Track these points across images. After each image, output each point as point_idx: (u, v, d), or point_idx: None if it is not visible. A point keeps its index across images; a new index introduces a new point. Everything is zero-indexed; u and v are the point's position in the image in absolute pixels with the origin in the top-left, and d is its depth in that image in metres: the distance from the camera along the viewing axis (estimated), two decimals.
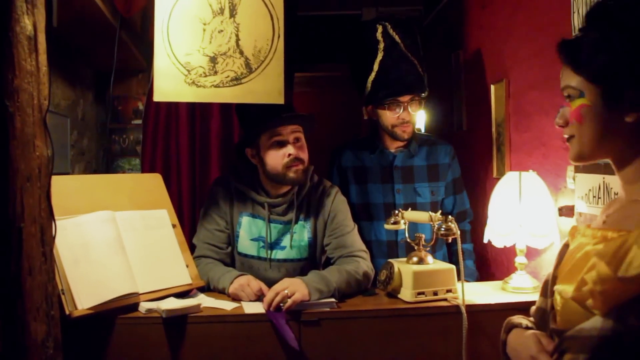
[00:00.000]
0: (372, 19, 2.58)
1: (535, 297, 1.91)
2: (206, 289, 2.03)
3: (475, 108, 2.94)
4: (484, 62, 2.79)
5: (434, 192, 2.46)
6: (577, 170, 1.82)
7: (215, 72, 2.07)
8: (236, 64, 2.09)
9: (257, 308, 1.79)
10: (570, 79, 1.00)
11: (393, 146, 2.49)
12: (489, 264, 2.66)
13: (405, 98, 2.36)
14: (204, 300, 1.86)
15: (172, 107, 2.94)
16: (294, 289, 1.79)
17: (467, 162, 2.57)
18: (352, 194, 2.49)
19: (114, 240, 1.78)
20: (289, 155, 2.04)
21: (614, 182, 1.62)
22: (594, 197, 1.73)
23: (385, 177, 2.47)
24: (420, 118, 3.71)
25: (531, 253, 2.13)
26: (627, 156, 0.97)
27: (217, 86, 2.08)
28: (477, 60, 2.89)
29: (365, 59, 2.47)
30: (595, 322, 0.89)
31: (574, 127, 1.01)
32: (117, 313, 1.69)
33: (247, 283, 1.92)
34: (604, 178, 1.68)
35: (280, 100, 2.10)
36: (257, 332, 1.74)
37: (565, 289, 1.00)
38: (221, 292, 1.98)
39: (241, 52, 2.09)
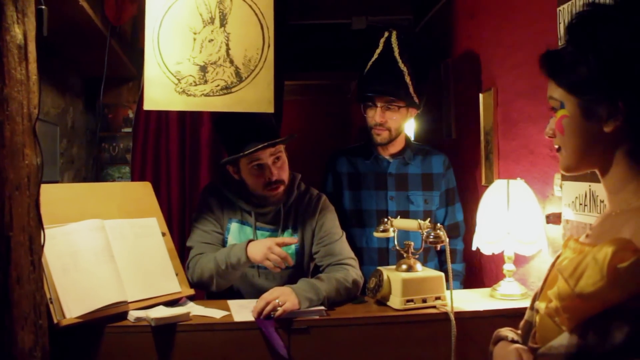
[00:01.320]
0: (381, 27, 2.59)
1: (523, 303, 1.94)
2: (202, 286, 2.01)
3: (464, 116, 2.97)
4: (473, 71, 2.82)
5: (428, 200, 2.47)
6: (564, 178, 1.84)
7: (206, 81, 2.08)
8: (226, 73, 2.10)
9: (246, 316, 1.79)
10: (553, 90, 1.01)
11: (387, 153, 2.50)
12: (477, 271, 2.67)
13: (381, 100, 2.38)
14: (193, 309, 1.86)
15: (163, 116, 2.94)
16: (285, 298, 1.79)
17: (456, 170, 2.58)
18: (345, 200, 2.50)
19: (103, 249, 1.77)
20: (269, 179, 2.05)
21: (600, 189, 1.64)
22: (580, 204, 1.75)
23: (379, 184, 2.48)
24: (409, 127, 3.73)
25: (519, 260, 2.15)
26: (609, 166, 0.98)
27: (207, 95, 2.08)
28: (466, 69, 2.92)
29: (364, 61, 2.51)
30: (562, 339, 0.90)
31: (559, 138, 1.02)
32: (106, 322, 1.68)
33: (270, 247, 1.90)
34: (589, 186, 1.70)
35: (270, 109, 2.11)
36: (247, 340, 1.74)
37: (540, 305, 1.01)
38: (235, 267, 1.96)
39: (231, 62, 2.10)
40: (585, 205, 1.72)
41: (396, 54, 2.43)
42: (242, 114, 2.08)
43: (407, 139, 2.55)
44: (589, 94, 0.94)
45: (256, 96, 2.09)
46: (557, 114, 1.01)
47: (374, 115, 2.40)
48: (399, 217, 2.04)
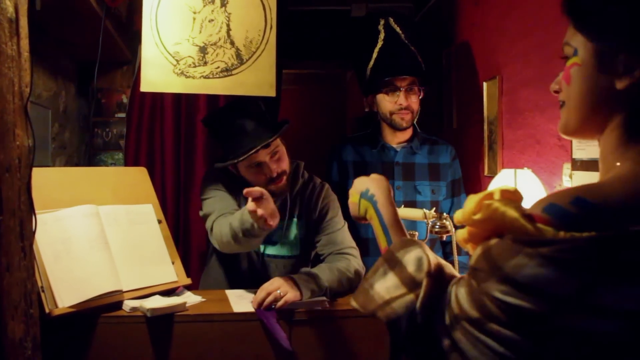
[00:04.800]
0: (369, 14, 2.56)
1: None
2: (234, 242, 1.79)
3: (465, 105, 2.91)
4: (476, 59, 2.76)
5: (435, 191, 2.42)
6: (574, 167, 1.79)
7: (205, 63, 2.01)
8: (227, 54, 2.03)
9: (246, 307, 1.73)
10: (570, 36, 0.88)
11: (395, 141, 2.45)
12: None
13: (403, 82, 2.34)
14: (191, 298, 1.80)
15: (157, 101, 2.87)
16: (286, 289, 1.74)
17: (459, 160, 2.54)
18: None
19: (97, 236, 1.71)
20: (269, 176, 1.96)
21: None
22: None
23: (385, 173, 2.39)
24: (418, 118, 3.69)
25: None
26: (613, 140, 0.82)
27: (206, 77, 2.02)
28: (469, 57, 2.86)
29: (366, 49, 2.46)
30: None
31: (565, 91, 0.89)
32: (100, 311, 1.61)
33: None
34: None
35: (271, 92, 2.04)
36: (246, 331, 1.68)
37: None
38: (251, 232, 1.71)
39: (232, 43, 2.03)
40: None
41: (403, 38, 2.40)
42: (232, 111, 1.94)
43: (414, 127, 2.50)
44: (609, 41, 0.80)
45: (257, 79, 2.03)
46: (568, 62, 0.87)
47: (398, 99, 2.35)
48: (403, 206, 1.98)
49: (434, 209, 1.86)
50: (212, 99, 2.86)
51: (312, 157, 2.57)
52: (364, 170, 2.45)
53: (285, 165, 2.01)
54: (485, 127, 2.59)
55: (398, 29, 2.42)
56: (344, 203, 2.21)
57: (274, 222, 1.63)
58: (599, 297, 0.62)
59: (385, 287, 0.92)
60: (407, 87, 2.35)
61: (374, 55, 2.42)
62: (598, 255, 0.62)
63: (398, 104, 2.35)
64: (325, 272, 1.89)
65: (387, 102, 2.38)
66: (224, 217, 1.91)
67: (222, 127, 1.95)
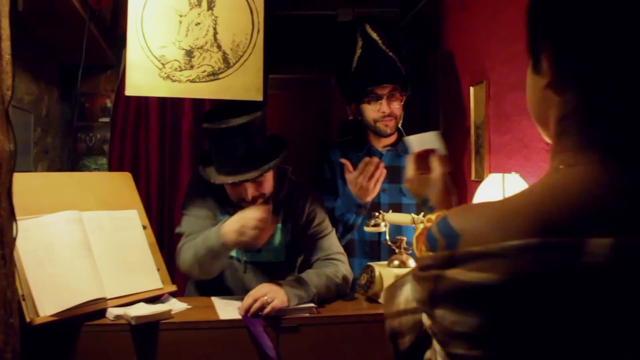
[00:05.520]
0: (351, 21, 2.57)
1: None
2: (192, 272, 1.89)
3: (452, 110, 2.91)
4: (463, 64, 2.76)
5: None
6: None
7: (192, 67, 1.99)
8: (213, 58, 2.01)
9: (232, 314, 1.70)
10: None
11: (380, 145, 2.46)
12: None
13: (384, 90, 2.34)
14: (176, 306, 1.76)
15: (142, 105, 2.84)
16: (273, 295, 1.71)
17: None
18: (339, 190, 2.44)
19: (80, 242, 1.67)
20: (244, 196, 1.92)
21: None
22: None
23: None
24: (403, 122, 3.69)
25: None
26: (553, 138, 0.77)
27: (193, 81, 1.99)
28: (456, 62, 2.86)
29: (346, 58, 2.47)
30: None
31: None
32: (83, 320, 1.57)
33: (241, 219, 1.73)
34: None
35: (258, 97, 2.02)
36: (233, 339, 1.65)
37: None
38: (216, 254, 1.79)
39: (219, 46, 2.01)
40: None
41: (380, 44, 2.41)
42: (233, 130, 1.84)
43: (399, 131, 2.51)
44: (535, 39, 0.75)
45: (244, 83, 2.00)
46: None
47: (381, 108, 2.36)
48: (390, 211, 1.97)
49: (422, 213, 1.85)
50: (197, 103, 2.84)
51: (298, 161, 2.55)
52: None
53: (266, 189, 1.96)
54: (472, 131, 2.59)
55: (375, 35, 2.44)
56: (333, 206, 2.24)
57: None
58: (440, 318, 0.66)
59: (405, 296, 0.87)
60: (389, 95, 2.35)
61: (354, 64, 2.43)
62: (434, 274, 0.66)
63: (381, 112, 2.36)
64: (313, 278, 1.86)
65: (370, 111, 2.38)
66: (190, 243, 1.89)
67: (214, 135, 1.88)
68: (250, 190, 1.91)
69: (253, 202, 1.94)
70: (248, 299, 1.70)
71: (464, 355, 0.63)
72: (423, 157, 1.32)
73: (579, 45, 0.67)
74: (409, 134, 2.58)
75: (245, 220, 1.75)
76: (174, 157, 2.89)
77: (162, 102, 2.84)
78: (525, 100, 2.05)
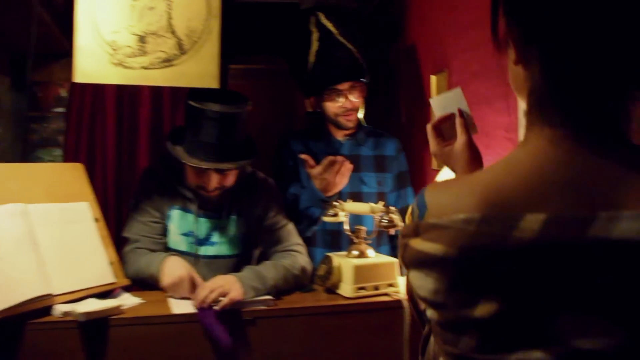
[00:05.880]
0: (305, 10, 2.51)
1: None
2: (136, 282, 1.87)
3: (414, 100, 2.89)
4: (425, 53, 2.74)
5: (381, 182, 2.41)
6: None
7: (145, 53, 1.92)
8: (168, 44, 1.95)
9: (186, 307, 1.65)
10: None
11: (340, 134, 2.43)
12: None
13: (345, 85, 2.31)
14: (129, 301, 1.70)
15: (98, 94, 2.75)
16: (229, 287, 1.67)
17: (406, 154, 2.51)
18: (302, 178, 2.41)
19: (25, 236, 1.59)
20: (205, 186, 1.91)
21: None
22: None
23: None
24: (364, 113, 3.67)
25: None
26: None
27: (146, 68, 1.93)
28: (417, 52, 2.84)
29: (301, 51, 2.41)
30: None
31: None
32: (28, 318, 1.50)
33: (180, 282, 1.74)
34: None
35: (215, 84, 1.97)
36: (187, 333, 1.60)
37: None
38: (156, 281, 1.80)
39: (173, 32, 1.95)
40: None
41: (337, 35, 2.36)
42: (223, 116, 1.83)
43: (359, 121, 2.48)
44: (509, 23, 0.73)
45: (199, 70, 1.95)
46: None
47: (343, 103, 2.32)
48: (349, 200, 1.94)
49: (382, 202, 1.82)
50: (156, 93, 2.76)
51: (262, 152, 2.51)
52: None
53: (229, 182, 1.96)
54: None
55: (330, 26, 2.38)
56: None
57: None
58: (411, 281, 0.70)
59: None
60: (349, 89, 2.32)
61: (311, 58, 2.37)
62: (403, 242, 0.70)
63: (342, 107, 2.32)
64: (270, 270, 1.83)
65: (331, 107, 2.35)
66: (135, 252, 1.91)
67: (199, 116, 1.84)
68: (215, 181, 1.89)
69: (213, 192, 1.91)
70: (203, 290, 1.65)
71: (430, 317, 0.69)
72: (446, 123, 1.16)
73: (539, 20, 0.67)
74: (372, 124, 2.57)
75: (183, 283, 1.74)
76: (132, 147, 2.82)
77: (120, 91, 2.76)
78: (486, 88, 2.04)
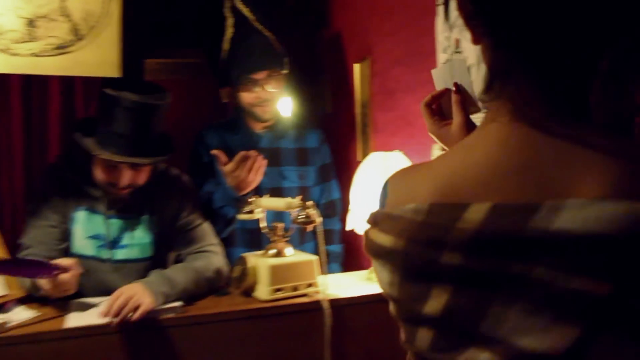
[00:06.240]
0: None
1: None
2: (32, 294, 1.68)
3: (339, 89, 2.80)
4: (348, 40, 2.65)
5: (303, 176, 2.30)
6: (442, 148, 1.70)
7: (34, 38, 1.73)
8: (61, 29, 1.76)
9: (83, 320, 1.49)
10: None
11: (258, 127, 2.30)
12: (357, 252, 2.53)
13: (261, 75, 2.18)
14: (21, 315, 1.53)
15: (3, 89, 2.51)
16: (138, 298, 1.52)
17: (332, 146, 2.42)
18: (218, 174, 2.27)
19: None
20: (115, 182, 1.75)
21: None
22: None
23: None
24: (286, 103, 3.57)
25: None
26: None
27: (36, 55, 1.74)
28: (341, 39, 2.74)
29: (215, 37, 2.28)
30: None
31: None
32: None
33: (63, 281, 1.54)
34: None
35: (116, 73, 1.80)
36: (82, 350, 1.44)
37: None
38: (39, 292, 1.61)
39: (67, 15, 1.76)
40: None
41: (253, 21, 2.24)
42: (142, 107, 1.69)
43: (279, 112, 2.36)
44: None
45: (98, 58, 1.78)
46: None
47: (259, 93, 2.20)
48: (266, 195, 1.82)
49: (299, 197, 1.71)
50: (67, 85, 2.55)
51: (184, 151, 2.38)
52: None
53: (142, 179, 1.81)
54: (358, 110, 2.48)
55: (246, 11, 2.25)
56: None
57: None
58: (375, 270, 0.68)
59: None
60: (267, 79, 2.20)
61: (225, 46, 2.24)
62: (365, 232, 0.68)
63: (258, 97, 2.20)
64: (179, 273, 1.69)
65: (246, 97, 2.22)
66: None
67: (108, 107, 1.68)
68: (127, 177, 1.74)
69: (123, 189, 1.77)
70: (111, 305, 1.50)
71: (391, 312, 0.67)
72: (445, 98, 0.99)
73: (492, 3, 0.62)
74: (297, 116, 2.46)
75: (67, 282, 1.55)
76: (41, 143, 2.59)
77: (26, 84, 2.53)
78: (408, 75, 1.97)
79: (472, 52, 1.50)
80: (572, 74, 0.59)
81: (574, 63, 0.59)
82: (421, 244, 0.58)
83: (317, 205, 2.36)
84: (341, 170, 2.61)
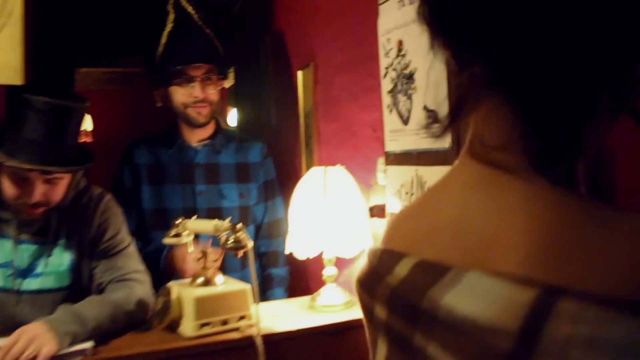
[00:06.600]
0: None
1: (347, 314, 1.63)
2: None
3: (284, 99, 2.62)
4: (292, 46, 2.48)
5: (244, 194, 2.11)
6: (388, 162, 1.54)
7: None
8: None
9: None
10: None
11: (195, 139, 2.11)
12: (303, 274, 2.33)
13: (198, 72, 2.01)
14: None
15: None
16: (40, 342, 1.32)
17: (277, 160, 2.24)
18: (144, 197, 2.08)
19: None
20: (27, 199, 1.55)
21: (429, 174, 1.36)
22: (406, 193, 1.47)
23: (185, 177, 2.09)
24: (230, 113, 3.40)
25: (344, 261, 1.84)
26: None
27: None
28: (285, 45, 2.57)
29: (154, 34, 2.09)
30: None
31: None
32: None
33: None
34: (416, 170, 1.42)
35: (18, 80, 1.59)
36: None
37: None
38: None
39: None
40: (412, 194, 1.44)
41: (195, 18, 2.06)
42: (58, 109, 1.52)
43: (218, 123, 2.18)
44: None
45: None
46: None
47: (192, 91, 2.02)
48: (195, 217, 1.62)
49: (228, 219, 1.52)
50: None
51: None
52: (161, 173, 2.08)
53: (57, 195, 1.61)
54: (302, 120, 2.31)
55: (190, 9, 2.08)
56: (140, 213, 1.88)
57: None
58: None
59: None
60: (203, 77, 2.03)
61: (163, 40, 2.05)
62: None
63: (193, 96, 2.02)
64: (92, 307, 1.49)
65: (180, 95, 2.04)
66: None
67: (17, 110, 1.51)
68: (40, 192, 1.54)
69: (35, 207, 1.56)
70: (9, 353, 1.28)
71: None
72: None
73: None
74: (243, 129, 2.29)
75: None
76: None
77: None
78: (351, 82, 1.81)
79: (416, 55, 1.35)
80: (560, 110, 0.46)
81: (574, 103, 0.46)
82: (365, 289, 0.57)
83: (261, 225, 2.18)
84: (286, 186, 2.43)
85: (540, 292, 0.39)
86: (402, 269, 0.51)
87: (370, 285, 0.56)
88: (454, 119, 0.54)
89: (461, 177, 0.54)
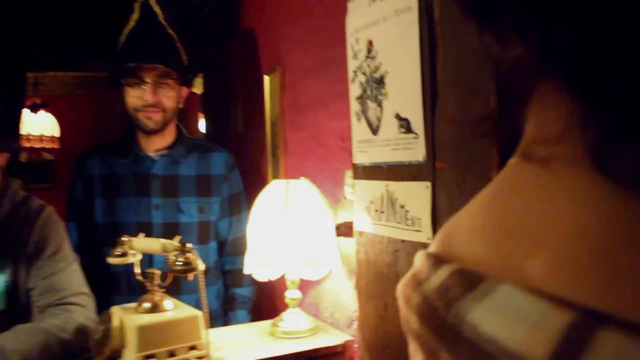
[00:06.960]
0: None
1: (312, 342, 1.48)
2: None
3: (251, 105, 2.47)
4: (259, 50, 2.34)
5: (204, 209, 1.95)
6: (356, 175, 1.40)
7: None
8: None
9: None
10: None
11: (152, 148, 1.96)
12: (269, 295, 2.17)
13: (150, 74, 1.85)
14: None
15: None
16: None
17: (243, 171, 2.08)
18: (96, 211, 1.92)
19: None
20: None
21: (401, 190, 1.22)
22: (376, 211, 1.32)
23: (141, 189, 1.93)
24: (201, 124, 3.22)
25: (310, 282, 1.69)
26: None
27: None
28: (254, 48, 2.42)
29: (115, 32, 1.94)
30: None
31: None
32: None
33: None
34: (387, 185, 1.28)
35: None
36: None
37: None
38: None
39: None
40: (382, 212, 1.30)
41: (160, 18, 1.92)
42: None
43: (179, 131, 2.03)
44: None
45: None
46: None
47: (143, 94, 1.86)
48: (141, 235, 1.46)
49: (177, 238, 1.37)
50: None
51: None
52: (115, 185, 1.92)
53: None
54: (268, 129, 2.16)
55: (157, 9, 1.94)
56: (91, 228, 1.77)
57: None
58: None
59: None
60: (157, 81, 1.87)
61: (122, 38, 1.90)
62: None
63: (143, 99, 1.86)
64: (19, 339, 1.32)
65: (131, 97, 1.89)
66: None
67: None
68: None
69: None
70: None
71: None
72: None
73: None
74: (211, 138, 2.13)
75: None
76: None
77: None
78: (319, 87, 1.66)
79: (387, 57, 1.21)
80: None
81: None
82: (403, 296, 0.51)
83: (225, 242, 2.03)
84: (253, 198, 2.28)
85: (578, 316, 0.31)
86: (438, 277, 0.46)
87: (407, 292, 0.50)
88: (505, 116, 0.47)
89: (512, 178, 0.47)
